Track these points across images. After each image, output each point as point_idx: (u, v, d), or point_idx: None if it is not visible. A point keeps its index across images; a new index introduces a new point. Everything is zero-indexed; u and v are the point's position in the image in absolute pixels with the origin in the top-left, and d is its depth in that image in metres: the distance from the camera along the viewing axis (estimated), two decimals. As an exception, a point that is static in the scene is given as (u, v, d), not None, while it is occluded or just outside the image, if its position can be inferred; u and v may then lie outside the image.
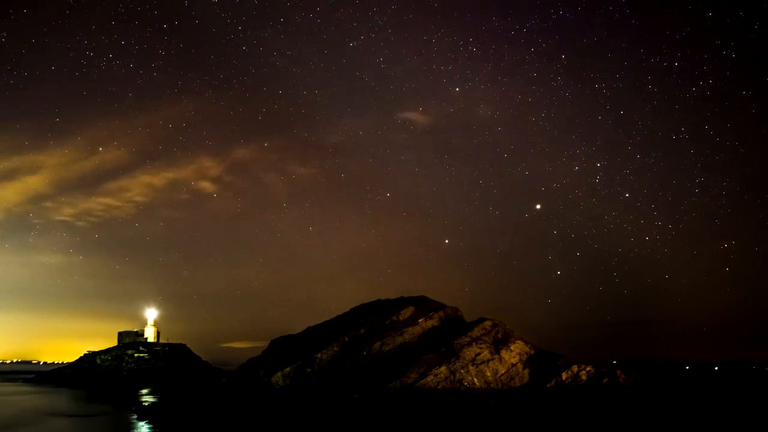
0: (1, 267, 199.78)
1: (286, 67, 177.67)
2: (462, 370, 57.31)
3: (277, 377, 57.26)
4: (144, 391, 72.73)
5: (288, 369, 58.45)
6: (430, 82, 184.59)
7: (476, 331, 64.47)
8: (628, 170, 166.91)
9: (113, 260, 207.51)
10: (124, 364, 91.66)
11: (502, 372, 60.21)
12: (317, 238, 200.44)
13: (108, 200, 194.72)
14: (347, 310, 78.10)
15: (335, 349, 61.68)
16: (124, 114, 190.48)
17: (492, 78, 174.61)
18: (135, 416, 46.52)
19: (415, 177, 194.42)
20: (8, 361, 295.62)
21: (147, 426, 40.56)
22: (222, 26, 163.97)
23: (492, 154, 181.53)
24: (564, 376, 59.62)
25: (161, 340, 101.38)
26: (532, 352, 64.55)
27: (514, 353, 62.79)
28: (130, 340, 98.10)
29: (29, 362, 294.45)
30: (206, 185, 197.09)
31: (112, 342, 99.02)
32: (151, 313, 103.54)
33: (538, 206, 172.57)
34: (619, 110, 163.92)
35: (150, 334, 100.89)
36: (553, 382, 58.81)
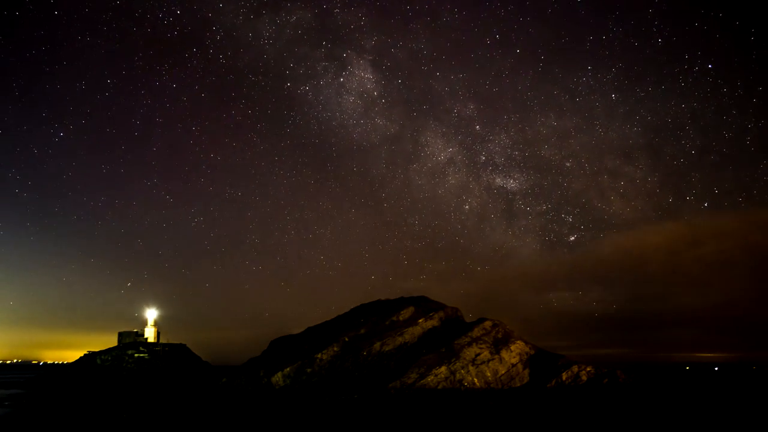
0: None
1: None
2: (462, 370, 57.32)
3: (278, 377, 57.26)
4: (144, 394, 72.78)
5: (288, 369, 58.45)
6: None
7: (476, 332, 64.55)
8: None
9: (114, 259, 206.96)
10: (124, 365, 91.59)
11: (503, 372, 60.23)
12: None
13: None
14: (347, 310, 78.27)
15: (335, 349, 61.68)
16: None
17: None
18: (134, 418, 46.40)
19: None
20: (8, 362, 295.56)
21: (148, 427, 40.50)
22: None
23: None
24: (564, 376, 59.71)
25: (161, 341, 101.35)
26: (533, 352, 64.58)
27: (514, 353, 62.83)
28: (130, 340, 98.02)
29: (30, 362, 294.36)
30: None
31: (112, 342, 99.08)
32: (151, 313, 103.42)
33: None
34: None
35: (150, 335, 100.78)
36: (553, 382, 58.89)
